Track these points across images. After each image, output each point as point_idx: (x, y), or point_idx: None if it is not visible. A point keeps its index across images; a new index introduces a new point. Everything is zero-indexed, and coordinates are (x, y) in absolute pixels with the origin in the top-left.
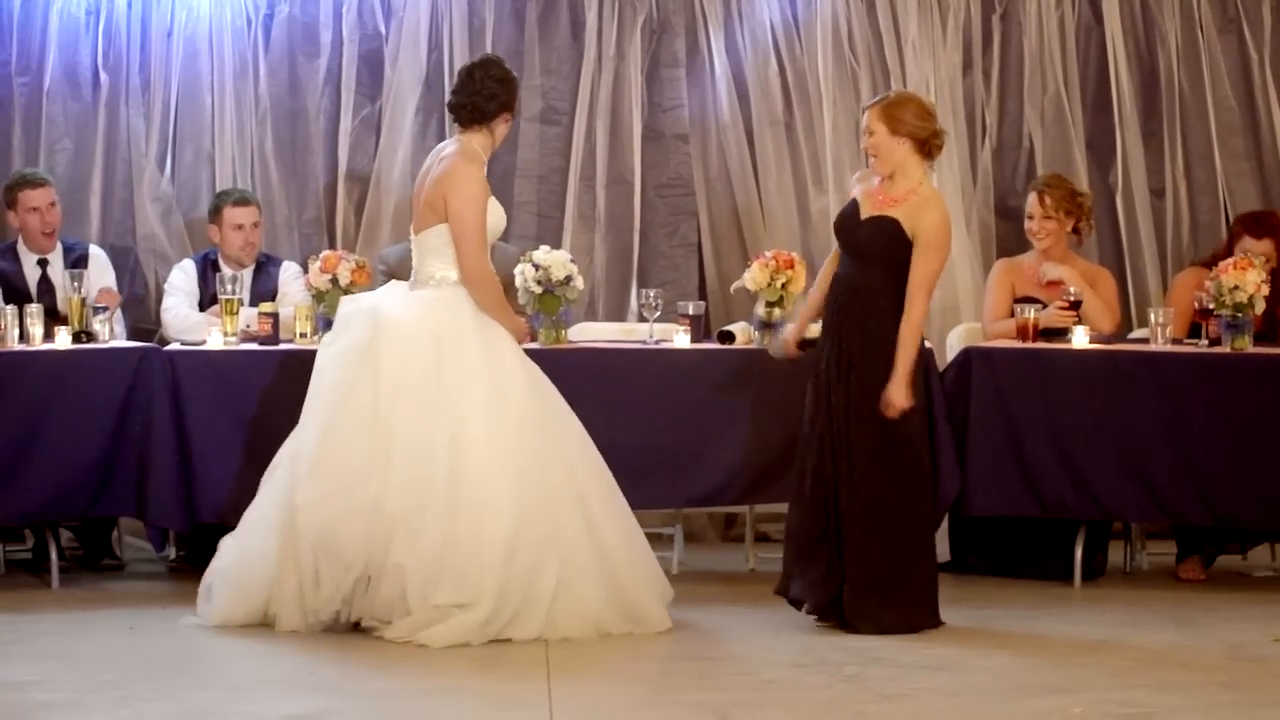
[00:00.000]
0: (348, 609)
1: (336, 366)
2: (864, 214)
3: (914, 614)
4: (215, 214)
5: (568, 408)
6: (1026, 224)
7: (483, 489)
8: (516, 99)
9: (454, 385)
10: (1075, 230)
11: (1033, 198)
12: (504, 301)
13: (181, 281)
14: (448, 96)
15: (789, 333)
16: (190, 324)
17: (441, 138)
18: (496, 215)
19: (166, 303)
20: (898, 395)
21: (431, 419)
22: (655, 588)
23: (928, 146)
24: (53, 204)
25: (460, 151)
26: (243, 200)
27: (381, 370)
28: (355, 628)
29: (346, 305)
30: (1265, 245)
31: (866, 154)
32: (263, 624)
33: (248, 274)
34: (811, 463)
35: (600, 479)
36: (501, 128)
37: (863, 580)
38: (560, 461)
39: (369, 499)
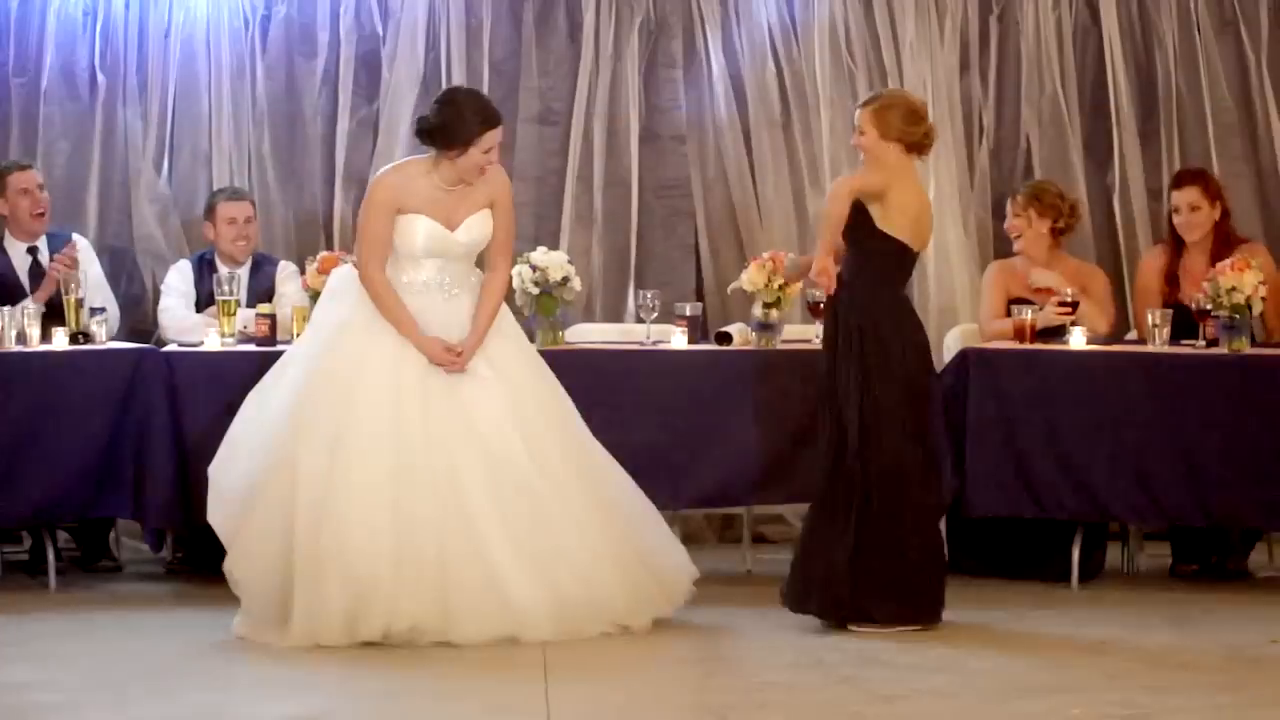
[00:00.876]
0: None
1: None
2: None
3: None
4: (209, 211)
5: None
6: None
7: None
8: (463, 135)
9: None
10: (1054, 231)
11: (1009, 201)
12: (399, 316)
13: (178, 282)
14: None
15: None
16: (187, 325)
17: None
18: (419, 235)
19: (163, 303)
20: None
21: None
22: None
23: (918, 147)
24: (40, 186)
25: (403, 163)
26: (236, 195)
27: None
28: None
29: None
30: (1189, 194)
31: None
32: None
33: (244, 274)
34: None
35: (571, 472)
36: (446, 161)
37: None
38: (447, 461)
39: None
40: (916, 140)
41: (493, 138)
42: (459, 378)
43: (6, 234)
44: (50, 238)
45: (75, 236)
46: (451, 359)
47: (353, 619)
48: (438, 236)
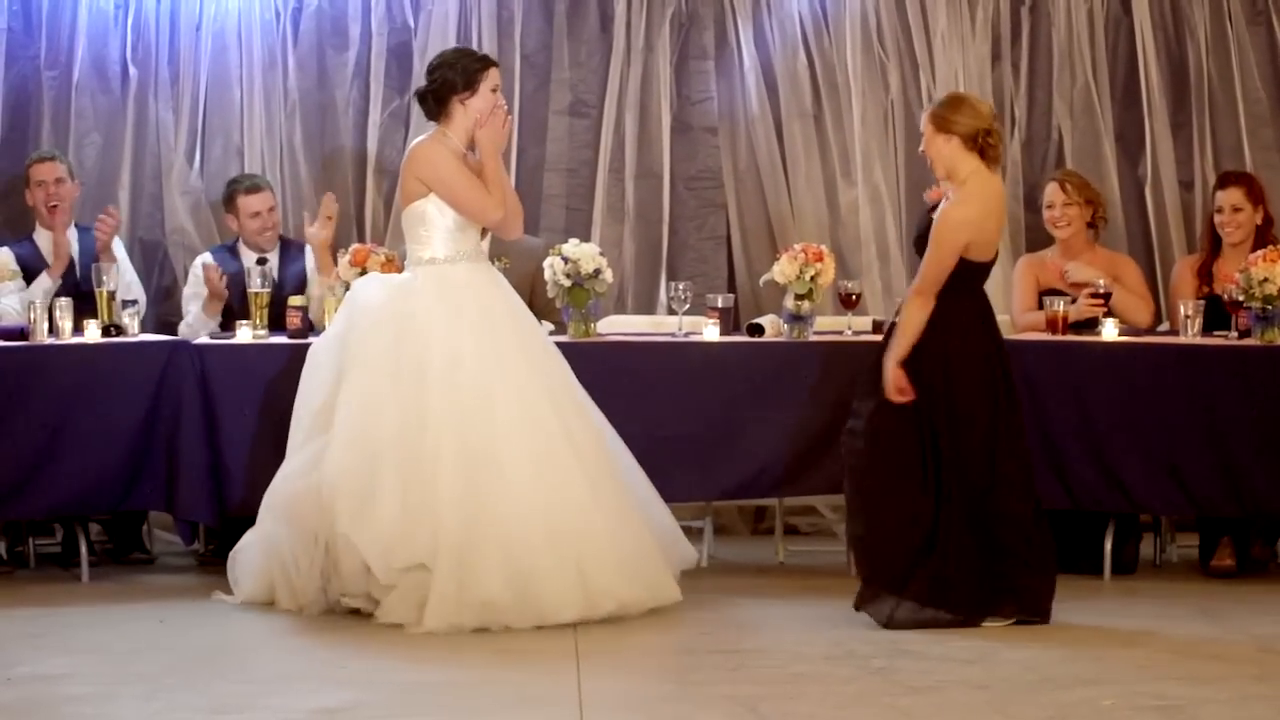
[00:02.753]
0: (328, 585)
1: (316, 356)
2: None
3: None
4: (229, 203)
5: (563, 387)
6: (1046, 214)
7: (439, 459)
8: (464, 75)
9: (411, 362)
10: (1092, 224)
11: (1053, 186)
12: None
13: (198, 287)
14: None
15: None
16: (210, 329)
17: None
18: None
19: (186, 319)
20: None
21: (379, 394)
22: (647, 570)
23: (978, 143)
24: (59, 179)
25: (426, 137)
26: (254, 188)
27: (346, 357)
28: (357, 613)
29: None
30: (1233, 195)
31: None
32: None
33: (274, 261)
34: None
35: (597, 457)
36: (459, 109)
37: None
38: (530, 434)
39: (320, 473)
40: (972, 134)
41: (495, 76)
42: (535, 354)
43: (37, 224)
44: (81, 231)
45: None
46: None
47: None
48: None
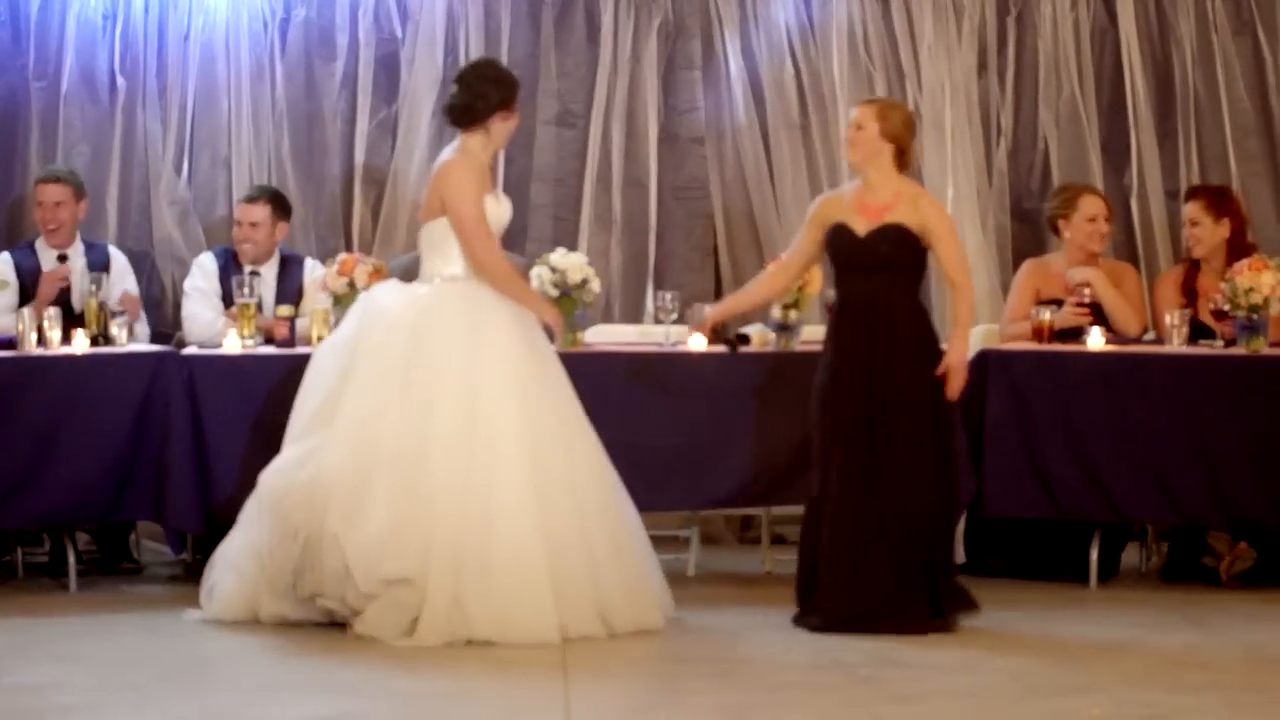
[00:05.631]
0: (300, 580)
1: (324, 357)
2: (863, 230)
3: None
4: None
5: (573, 416)
6: (1085, 225)
7: (437, 478)
8: (515, 96)
9: (423, 376)
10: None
11: (1097, 201)
12: (524, 286)
13: (200, 281)
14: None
15: (712, 311)
16: (212, 330)
17: None
18: (498, 210)
19: (186, 309)
20: (962, 376)
21: (385, 403)
22: (636, 597)
23: (905, 158)
24: (59, 203)
25: (455, 149)
26: (248, 197)
27: (355, 360)
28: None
29: (355, 303)
30: (1190, 208)
31: (848, 144)
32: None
33: (271, 274)
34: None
35: (598, 487)
36: (499, 125)
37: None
38: (532, 463)
39: (313, 471)
40: (906, 147)
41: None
42: (540, 373)
43: (40, 239)
44: (89, 247)
45: (111, 250)
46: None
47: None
48: (496, 213)
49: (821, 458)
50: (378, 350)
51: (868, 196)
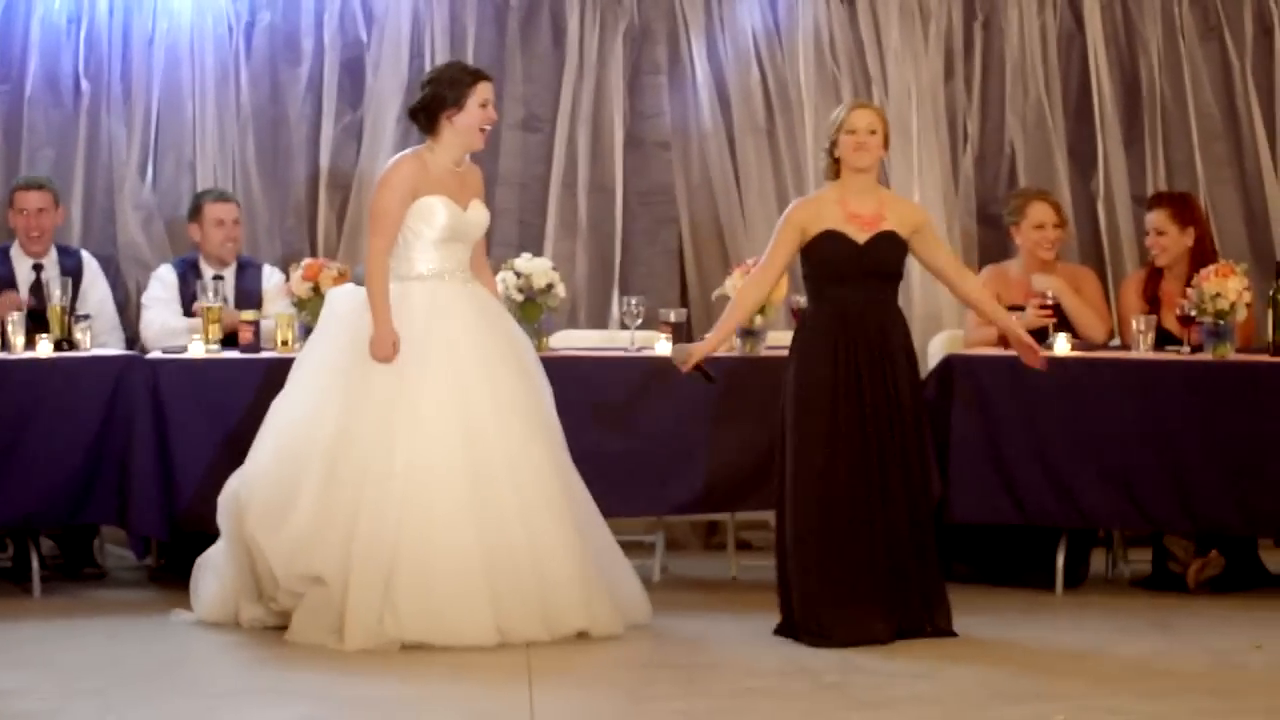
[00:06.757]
0: (259, 584)
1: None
2: (863, 239)
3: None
4: (195, 212)
5: (533, 417)
6: (1033, 233)
7: (364, 477)
8: (454, 91)
9: (356, 375)
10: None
11: (1045, 208)
12: (379, 299)
13: (160, 292)
14: None
15: (698, 348)
16: (170, 329)
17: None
18: (461, 218)
19: (145, 318)
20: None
21: (324, 405)
22: (591, 602)
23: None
24: (41, 210)
25: (408, 151)
26: (222, 197)
27: (301, 361)
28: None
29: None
30: (1155, 217)
31: (859, 149)
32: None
33: (230, 277)
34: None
35: (550, 488)
36: (447, 126)
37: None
38: (470, 462)
39: (243, 476)
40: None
41: (485, 90)
42: (506, 372)
43: (15, 244)
44: (62, 253)
45: (84, 256)
46: (391, 355)
47: (452, 620)
48: (456, 216)
49: (799, 464)
50: (317, 353)
51: (856, 204)
